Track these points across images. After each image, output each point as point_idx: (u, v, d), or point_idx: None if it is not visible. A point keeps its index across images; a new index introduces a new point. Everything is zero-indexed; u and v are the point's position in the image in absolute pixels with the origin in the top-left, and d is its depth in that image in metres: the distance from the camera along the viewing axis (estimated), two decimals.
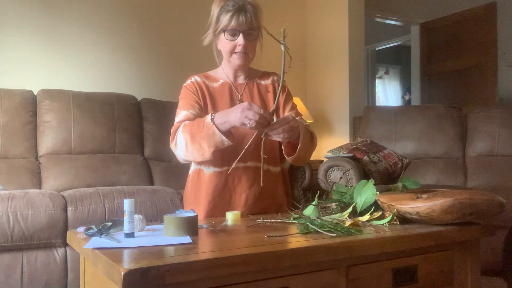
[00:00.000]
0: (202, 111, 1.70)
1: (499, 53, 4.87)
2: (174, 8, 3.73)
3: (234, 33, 1.64)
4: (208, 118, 1.53)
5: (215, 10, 1.66)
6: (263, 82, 1.82)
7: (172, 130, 1.68)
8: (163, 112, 3.22)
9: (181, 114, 1.69)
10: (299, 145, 1.59)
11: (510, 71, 5.01)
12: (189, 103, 1.70)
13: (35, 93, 2.91)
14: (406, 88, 7.91)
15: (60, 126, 2.84)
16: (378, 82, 7.92)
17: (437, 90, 5.33)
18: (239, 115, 1.43)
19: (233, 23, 1.61)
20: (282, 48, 1.46)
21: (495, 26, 4.82)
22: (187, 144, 1.58)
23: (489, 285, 2.30)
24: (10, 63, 3.09)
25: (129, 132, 3.05)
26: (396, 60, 8.28)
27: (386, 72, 8.35)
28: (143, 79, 3.56)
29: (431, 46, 5.40)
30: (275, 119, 1.53)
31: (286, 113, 1.79)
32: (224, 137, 1.50)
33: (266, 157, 1.55)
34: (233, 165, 1.53)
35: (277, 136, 1.50)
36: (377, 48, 6.91)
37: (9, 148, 2.72)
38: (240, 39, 1.64)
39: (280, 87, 1.56)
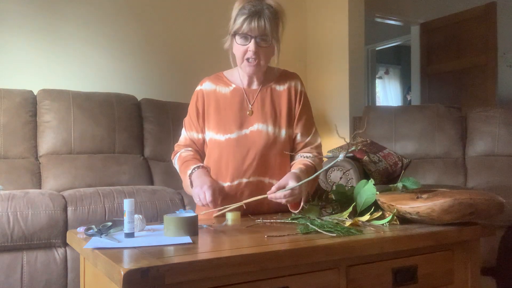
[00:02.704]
0: (198, 132, 1.75)
1: (499, 53, 4.87)
2: (174, 8, 3.73)
3: (246, 38, 1.57)
4: (190, 170, 1.65)
5: (234, 11, 1.59)
6: (278, 88, 1.72)
7: (174, 148, 1.81)
8: (163, 112, 3.22)
9: (183, 134, 1.79)
10: (301, 204, 1.55)
11: (510, 71, 5.01)
12: (192, 124, 1.76)
13: (35, 93, 2.91)
14: (408, 88, 7.91)
15: (60, 126, 2.84)
16: (378, 82, 7.92)
17: (437, 90, 5.33)
18: (196, 190, 1.56)
19: (245, 27, 1.54)
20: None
21: (495, 26, 4.82)
22: (179, 172, 1.76)
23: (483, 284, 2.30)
24: (10, 63, 3.09)
25: (129, 132, 3.05)
26: (396, 60, 8.28)
27: (386, 72, 8.35)
28: (143, 79, 3.56)
29: (431, 46, 5.40)
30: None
31: (300, 122, 1.73)
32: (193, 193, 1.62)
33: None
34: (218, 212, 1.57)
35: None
36: (377, 48, 6.90)
37: (9, 148, 2.72)
38: (251, 45, 1.57)
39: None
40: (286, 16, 1.63)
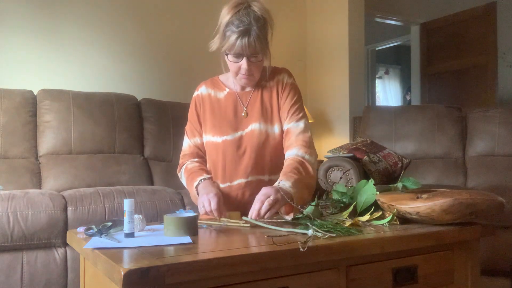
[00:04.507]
0: (201, 137, 1.76)
1: (499, 53, 4.87)
2: (174, 9, 3.73)
3: (238, 56, 1.59)
4: (197, 181, 1.65)
5: (223, 18, 1.59)
6: (268, 85, 1.74)
7: (180, 161, 1.80)
8: (163, 112, 3.22)
9: (186, 143, 1.79)
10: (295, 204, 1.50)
11: (510, 71, 5.02)
12: (192, 131, 1.77)
13: (35, 93, 2.91)
14: (408, 88, 7.92)
15: (60, 126, 2.84)
16: (378, 82, 7.92)
17: (437, 90, 5.33)
18: (201, 198, 1.54)
19: (236, 47, 1.55)
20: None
21: (495, 26, 4.82)
22: (186, 184, 1.76)
23: (491, 285, 2.29)
24: (10, 63, 3.09)
25: (129, 132, 3.05)
26: (396, 60, 8.29)
27: (386, 72, 8.35)
28: (143, 79, 3.56)
29: (431, 46, 5.40)
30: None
31: (284, 113, 1.71)
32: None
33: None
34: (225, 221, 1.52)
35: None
36: (377, 48, 6.91)
37: (9, 148, 2.72)
38: (243, 63, 1.59)
39: None
40: (272, 19, 1.63)
